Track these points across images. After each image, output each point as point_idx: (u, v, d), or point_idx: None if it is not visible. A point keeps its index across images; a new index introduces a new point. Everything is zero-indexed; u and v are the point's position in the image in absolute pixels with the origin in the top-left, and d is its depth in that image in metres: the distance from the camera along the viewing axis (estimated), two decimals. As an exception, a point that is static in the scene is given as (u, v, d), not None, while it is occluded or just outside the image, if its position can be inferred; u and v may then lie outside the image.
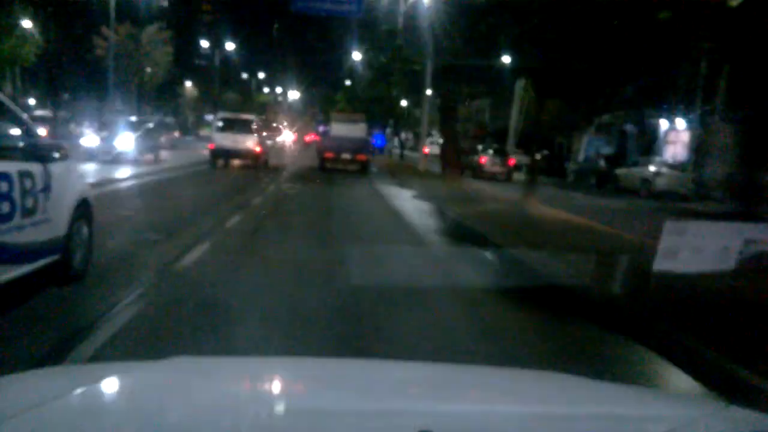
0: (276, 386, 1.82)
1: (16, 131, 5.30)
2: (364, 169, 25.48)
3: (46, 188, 5.29)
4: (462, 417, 1.54)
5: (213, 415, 1.44)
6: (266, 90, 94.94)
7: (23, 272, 4.92)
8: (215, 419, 1.41)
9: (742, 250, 5.54)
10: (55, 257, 5.42)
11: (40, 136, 5.85)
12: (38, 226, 5.10)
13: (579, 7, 10.21)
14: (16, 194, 4.78)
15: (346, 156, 25.38)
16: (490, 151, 28.06)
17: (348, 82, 44.42)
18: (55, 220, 5.42)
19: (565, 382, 2.02)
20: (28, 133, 5.44)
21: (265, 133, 27.94)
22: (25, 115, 5.65)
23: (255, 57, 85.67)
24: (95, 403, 1.50)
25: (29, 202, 4.98)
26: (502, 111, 35.74)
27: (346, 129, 26.03)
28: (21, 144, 5.23)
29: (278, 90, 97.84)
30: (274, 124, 30.92)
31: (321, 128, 36.18)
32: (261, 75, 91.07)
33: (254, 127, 24.36)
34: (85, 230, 6.02)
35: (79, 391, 1.51)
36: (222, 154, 23.47)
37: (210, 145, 24.20)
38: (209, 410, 1.48)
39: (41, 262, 5.20)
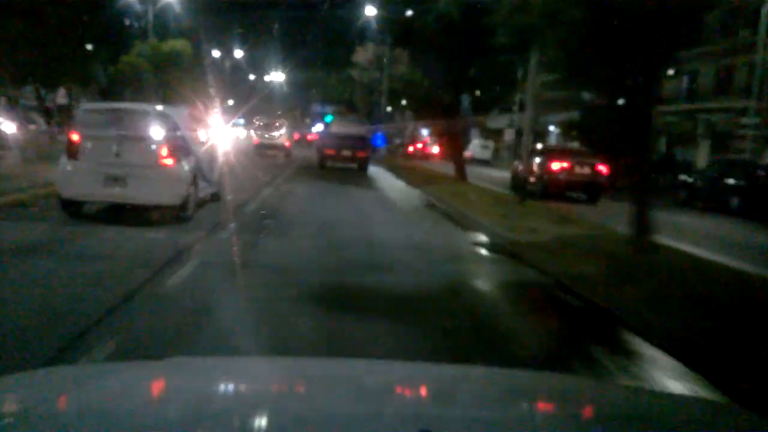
0: (274, 386, 1.84)
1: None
2: (363, 165, 27.06)
3: (215, 157, 11.72)
4: (461, 417, 1.57)
5: (211, 415, 1.47)
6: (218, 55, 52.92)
7: (211, 192, 11.43)
8: (214, 419, 1.44)
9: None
10: (215, 189, 11.79)
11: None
12: (214, 173, 11.50)
13: None
14: (213, 157, 11.24)
15: (346, 153, 26.91)
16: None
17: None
18: (215, 171, 11.81)
19: (565, 382, 2.07)
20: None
21: (290, 132, 35.69)
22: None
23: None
24: (95, 403, 1.52)
25: (214, 162, 11.41)
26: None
27: (347, 127, 28.08)
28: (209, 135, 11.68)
29: (238, 53, 59.59)
30: (277, 123, 35.60)
31: (320, 125, 36.34)
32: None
33: (284, 127, 34.88)
34: (223, 178, 12.42)
35: (79, 391, 1.57)
36: (263, 147, 33.01)
37: (255, 141, 34.46)
38: (208, 410, 1.53)
39: (214, 190, 11.63)
